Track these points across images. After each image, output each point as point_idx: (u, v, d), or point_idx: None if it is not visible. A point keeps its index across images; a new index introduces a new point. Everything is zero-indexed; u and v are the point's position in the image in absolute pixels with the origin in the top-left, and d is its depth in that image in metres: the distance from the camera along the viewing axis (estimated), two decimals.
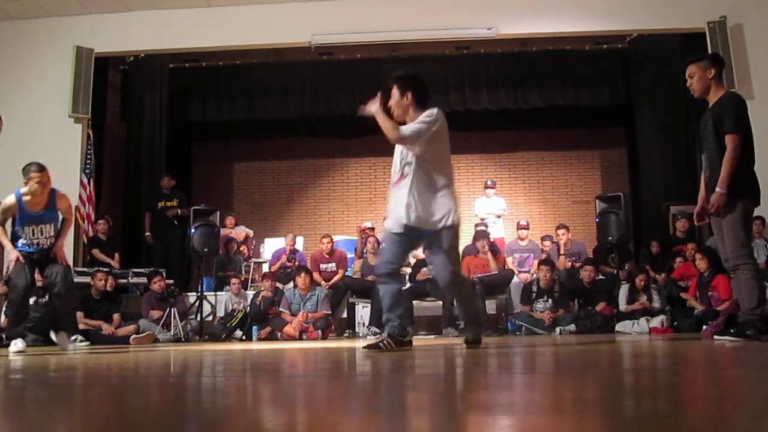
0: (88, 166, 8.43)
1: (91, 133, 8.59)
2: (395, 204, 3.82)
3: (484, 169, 11.00)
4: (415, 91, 3.86)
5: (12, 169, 8.40)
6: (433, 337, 7.00)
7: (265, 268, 8.88)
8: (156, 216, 8.71)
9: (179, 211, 8.57)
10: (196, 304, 7.66)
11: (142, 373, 2.94)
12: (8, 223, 5.08)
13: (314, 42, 8.59)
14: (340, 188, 11.36)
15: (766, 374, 2.23)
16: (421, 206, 3.71)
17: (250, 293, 7.72)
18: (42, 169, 4.92)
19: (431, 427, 1.26)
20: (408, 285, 7.54)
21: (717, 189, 3.80)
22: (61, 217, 5.10)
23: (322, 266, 7.92)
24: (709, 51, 7.46)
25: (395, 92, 3.87)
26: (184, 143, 10.59)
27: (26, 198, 4.90)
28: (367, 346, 3.79)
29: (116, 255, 8.22)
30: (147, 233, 8.73)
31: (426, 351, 3.99)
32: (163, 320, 6.90)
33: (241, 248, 8.98)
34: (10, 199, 4.95)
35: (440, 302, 7.06)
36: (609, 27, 8.60)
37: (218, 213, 8.21)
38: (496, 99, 9.63)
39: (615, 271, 7.42)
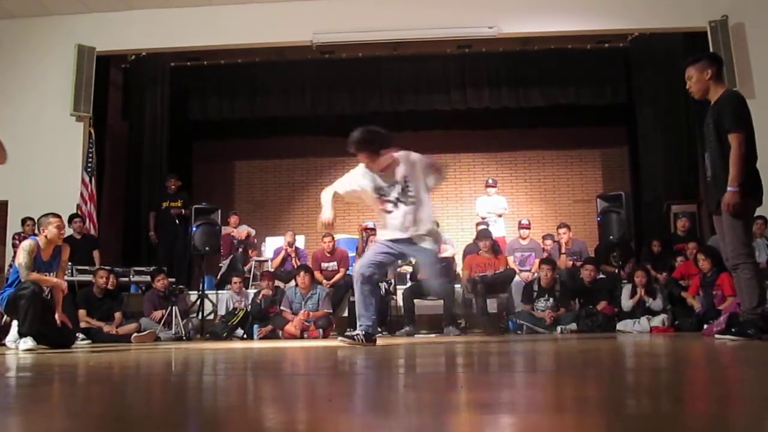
0: (89, 165, 8.44)
1: (92, 131, 8.60)
2: None
3: (485, 168, 11.00)
4: (380, 145, 4.23)
5: (13, 168, 8.45)
6: (434, 335, 7.00)
7: (267, 266, 8.88)
8: (160, 215, 8.72)
9: (183, 211, 8.56)
10: (198, 302, 7.66)
11: (143, 371, 2.95)
12: (10, 270, 5.39)
13: (316, 41, 8.59)
14: None
15: (767, 373, 2.23)
16: None
17: (251, 292, 7.72)
18: (59, 216, 5.29)
19: (433, 426, 1.26)
20: (409, 284, 7.56)
21: (729, 188, 3.74)
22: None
23: (324, 265, 7.92)
24: (711, 50, 7.46)
25: (366, 157, 4.24)
26: (185, 142, 10.59)
27: (41, 245, 5.15)
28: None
29: (95, 253, 7.84)
30: (151, 233, 8.73)
31: (427, 349, 3.99)
32: (164, 319, 6.91)
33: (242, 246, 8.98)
34: (30, 242, 5.15)
35: (441, 301, 7.06)
36: (610, 26, 8.59)
37: (219, 211, 8.21)
38: (497, 98, 9.64)
39: (616, 271, 7.42)
